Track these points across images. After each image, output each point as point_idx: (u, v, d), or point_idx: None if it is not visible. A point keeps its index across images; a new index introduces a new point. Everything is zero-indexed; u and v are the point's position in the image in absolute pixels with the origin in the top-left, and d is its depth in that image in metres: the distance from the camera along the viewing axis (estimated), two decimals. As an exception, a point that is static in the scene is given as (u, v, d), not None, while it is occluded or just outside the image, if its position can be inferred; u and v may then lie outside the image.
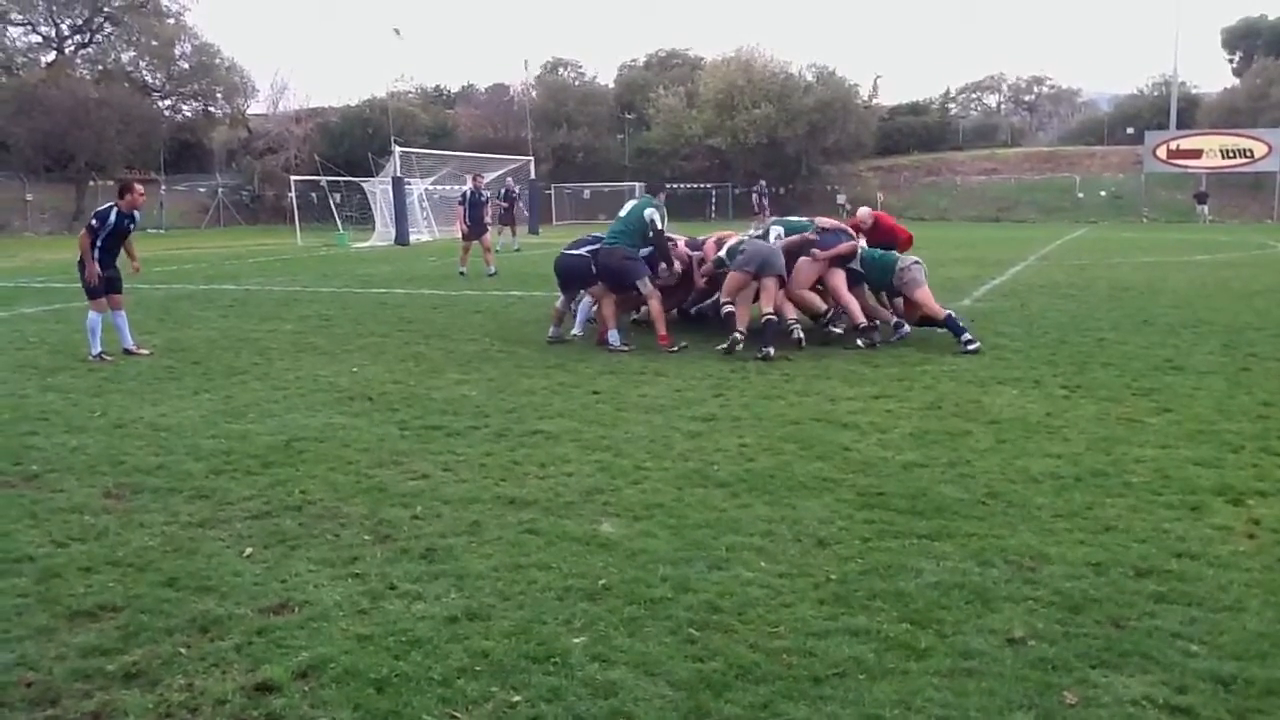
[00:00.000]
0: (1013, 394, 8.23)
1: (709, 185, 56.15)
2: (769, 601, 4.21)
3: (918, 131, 65.46)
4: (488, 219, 22.28)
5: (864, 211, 12.43)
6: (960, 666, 3.63)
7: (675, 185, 46.15)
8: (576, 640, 3.88)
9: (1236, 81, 62.70)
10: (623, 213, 11.05)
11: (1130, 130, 59.26)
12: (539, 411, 7.76)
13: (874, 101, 61.88)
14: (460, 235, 21.46)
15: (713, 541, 4.90)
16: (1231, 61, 68.04)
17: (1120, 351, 10.10)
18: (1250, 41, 65.76)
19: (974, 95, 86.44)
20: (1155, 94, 64.78)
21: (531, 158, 44.37)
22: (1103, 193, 52.85)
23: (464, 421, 7.43)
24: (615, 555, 4.75)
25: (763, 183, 49.15)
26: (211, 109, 58.25)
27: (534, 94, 61.47)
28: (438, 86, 72.68)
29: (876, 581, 4.39)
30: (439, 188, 37.88)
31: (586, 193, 54.32)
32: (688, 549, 4.82)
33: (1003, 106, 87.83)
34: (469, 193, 21.69)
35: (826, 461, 6.27)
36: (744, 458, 6.41)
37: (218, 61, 56.43)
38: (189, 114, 58.94)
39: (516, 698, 3.46)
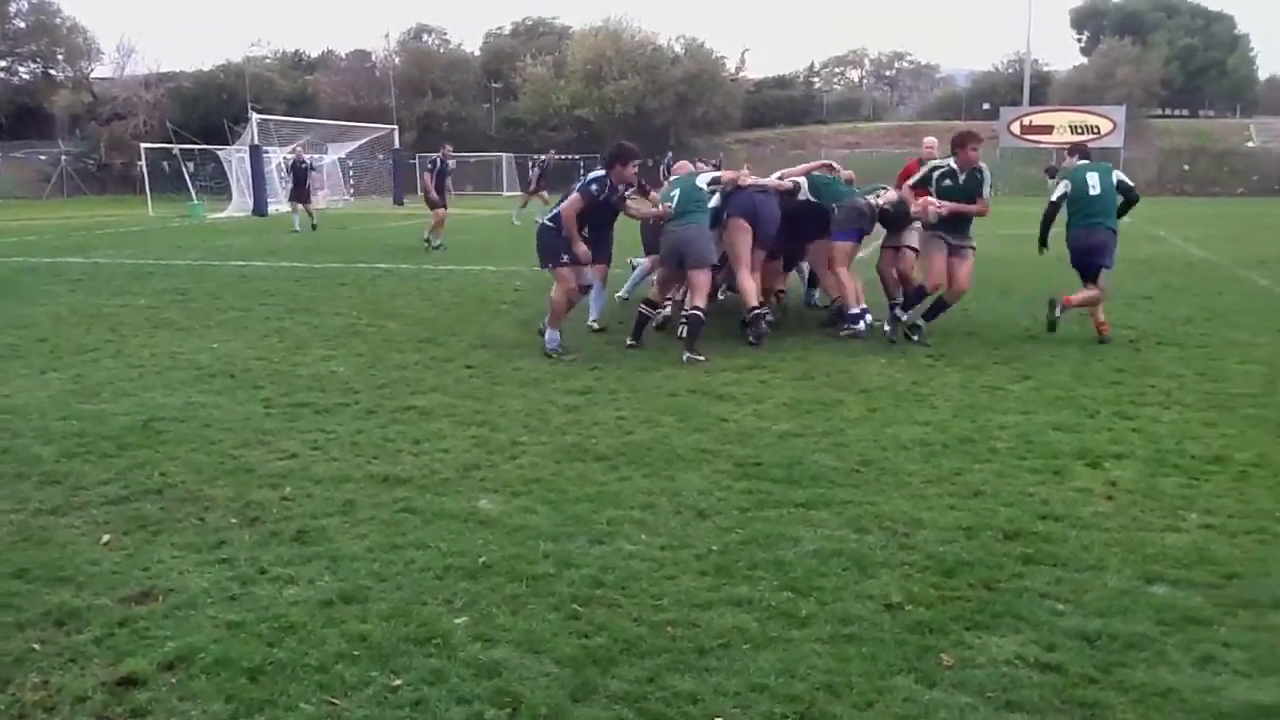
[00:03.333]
0: (881, 363, 8.42)
1: (578, 156, 55.87)
2: (652, 574, 4.19)
3: (783, 105, 66.44)
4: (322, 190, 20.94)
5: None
6: (841, 633, 3.68)
7: (544, 156, 45.61)
8: (458, 620, 3.80)
9: (1085, 60, 65.43)
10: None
11: (987, 106, 61.25)
12: (411, 387, 7.59)
13: (741, 75, 62.50)
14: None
15: (593, 516, 4.87)
16: (1080, 40, 71.03)
17: (981, 321, 10.43)
18: (1097, 21, 68.73)
19: (837, 70, 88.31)
20: (1010, 71, 67.14)
21: (395, 127, 43.42)
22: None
23: (332, 398, 7.21)
24: (495, 532, 4.67)
25: (544, 156, 31.89)
26: (52, 71, 55.22)
27: (397, 61, 60.08)
28: (297, 52, 70.39)
29: (757, 551, 4.43)
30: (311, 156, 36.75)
31: (452, 162, 53.40)
32: (568, 524, 4.77)
33: (865, 81, 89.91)
34: (437, 161, 20.51)
35: (704, 433, 6.30)
36: (622, 430, 6.38)
37: (58, 21, 53.48)
38: (26, 76, 55.71)
39: (398, 681, 3.37)
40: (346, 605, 3.93)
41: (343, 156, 42.91)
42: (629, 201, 9.34)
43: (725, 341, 9.29)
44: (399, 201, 39.44)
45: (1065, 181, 9.81)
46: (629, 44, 56.10)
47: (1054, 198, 9.83)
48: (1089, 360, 8.52)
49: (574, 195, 8.76)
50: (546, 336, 8.88)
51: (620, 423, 6.56)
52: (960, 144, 9.41)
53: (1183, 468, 5.62)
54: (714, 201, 9.23)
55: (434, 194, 19.64)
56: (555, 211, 9.01)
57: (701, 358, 8.47)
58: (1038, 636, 3.67)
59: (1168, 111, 59.16)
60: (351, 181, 44.96)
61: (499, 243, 21.62)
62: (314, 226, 24.83)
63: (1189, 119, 59.32)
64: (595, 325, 10.02)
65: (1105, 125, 52.65)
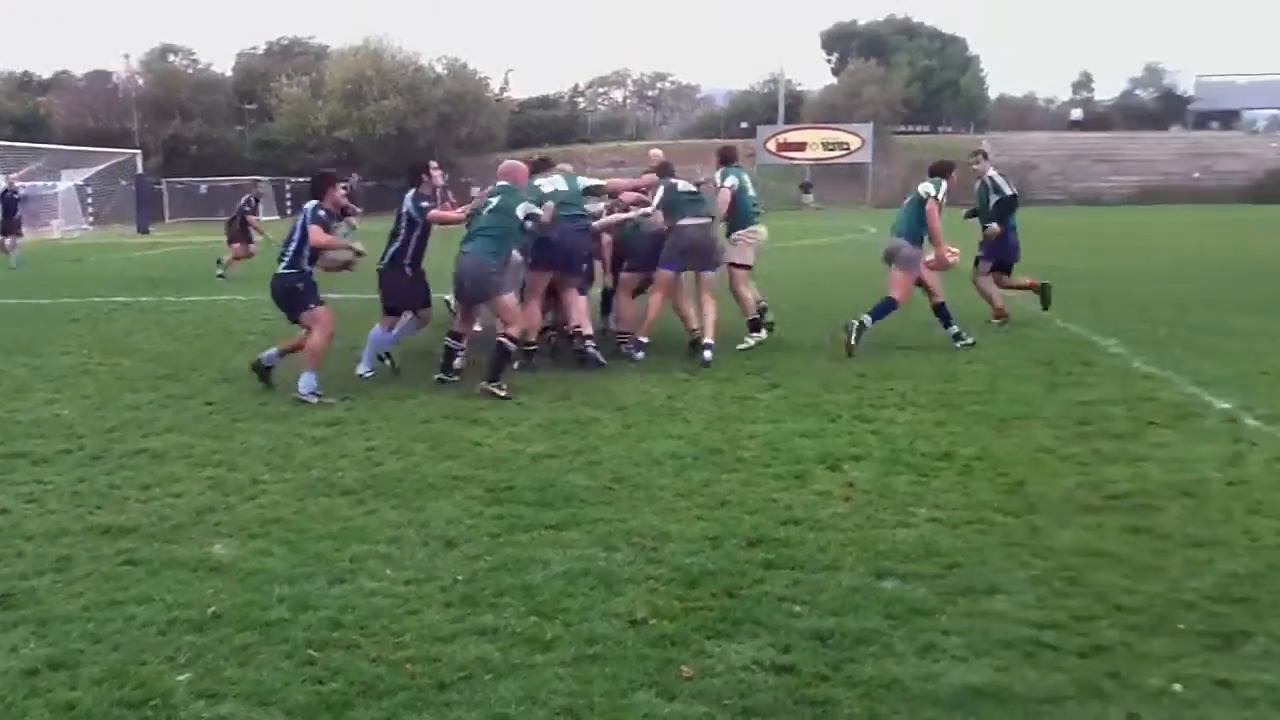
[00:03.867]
0: (637, 379, 8.52)
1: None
2: (394, 611, 4.06)
3: (549, 124, 66.93)
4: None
5: None
6: (585, 654, 3.67)
7: (302, 179, 44.11)
8: (181, 678, 3.55)
9: (835, 80, 69.09)
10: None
11: (745, 124, 63.63)
12: (143, 428, 7.10)
13: (505, 95, 62.55)
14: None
15: (335, 554, 4.68)
16: (830, 61, 74.94)
17: (733, 332, 10.67)
18: (845, 43, 72.78)
19: (601, 90, 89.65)
20: (766, 90, 70.08)
21: (139, 151, 41.01)
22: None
23: (54, 445, 6.66)
24: (227, 579, 4.41)
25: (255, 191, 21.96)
26: None
27: (141, 82, 56.85)
28: (26, 72, 65.54)
29: (505, 577, 4.36)
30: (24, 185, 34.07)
31: (203, 187, 50.90)
32: (308, 564, 4.56)
33: (629, 101, 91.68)
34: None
35: (456, 459, 6.18)
36: (371, 462, 6.19)
37: None
38: None
39: (108, 751, 3.11)
40: (54, 672, 3.61)
41: (79, 183, 40.15)
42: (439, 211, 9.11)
43: (482, 361, 9.16)
44: (144, 229, 37.17)
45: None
46: (390, 64, 55.16)
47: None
48: (836, 368, 8.91)
49: (312, 228, 7.97)
50: (301, 382, 7.88)
51: (370, 454, 6.36)
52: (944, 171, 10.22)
53: (914, 465, 5.94)
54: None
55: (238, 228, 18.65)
56: (290, 256, 8.07)
57: (501, 392, 7.86)
58: (774, 640, 3.76)
59: (910, 128, 63.15)
60: (90, 209, 42.05)
61: (248, 271, 20.44)
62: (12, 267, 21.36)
63: (930, 135, 63.45)
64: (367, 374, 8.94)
65: (855, 142, 55.76)
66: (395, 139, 53.41)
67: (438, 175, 10.70)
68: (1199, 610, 3.99)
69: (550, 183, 9.10)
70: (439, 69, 57.94)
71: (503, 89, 62.29)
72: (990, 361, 9.05)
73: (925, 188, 9.99)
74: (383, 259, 8.83)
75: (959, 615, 3.94)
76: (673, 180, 9.58)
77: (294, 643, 3.80)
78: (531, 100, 69.94)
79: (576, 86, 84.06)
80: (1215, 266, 17.55)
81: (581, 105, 79.90)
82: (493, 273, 8.19)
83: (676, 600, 4.10)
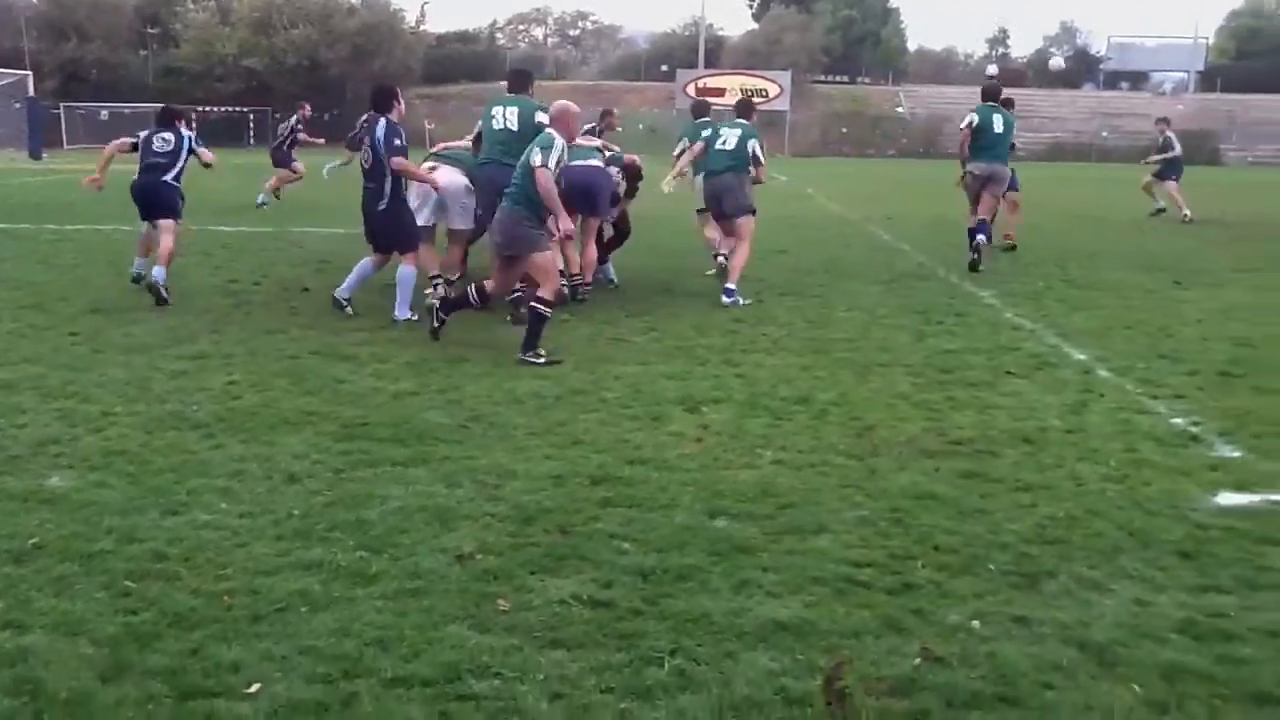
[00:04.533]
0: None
1: (246, 109, 52.80)
2: (222, 544, 4.04)
3: (467, 60, 65.53)
4: None
5: None
6: (406, 588, 3.70)
7: (209, 108, 43.09)
8: (-11, 609, 3.50)
9: (756, 26, 68.82)
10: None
11: (665, 68, 63.14)
12: (-2, 358, 6.91)
13: (421, 28, 61.09)
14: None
15: (174, 487, 4.63)
16: (751, 7, 74.50)
17: (623, 277, 10.71)
18: (768, -12, 72.29)
19: (521, 27, 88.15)
20: (687, 34, 69.54)
21: (29, 72, 39.32)
22: (640, 126, 56.08)
23: (-105, 374, 6.45)
24: (58, 511, 4.34)
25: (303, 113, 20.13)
26: None
27: (34, 0, 54.37)
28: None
29: (340, 513, 4.36)
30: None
31: (104, 113, 48.98)
32: (144, 496, 4.51)
33: (549, 39, 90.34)
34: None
35: (315, 395, 6.13)
36: (229, 396, 6.10)
37: None
38: None
39: (-104, 685, 3.06)
40: None
41: (-34, 105, 38.42)
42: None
43: (367, 299, 9.07)
44: (36, 155, 35.74)
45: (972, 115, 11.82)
46: (300, -9, 53.49)
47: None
48: (714, 312, 8.99)
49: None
50: (155, 272, 8.77)
51: (229, 388, 6.27)
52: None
53: (771, 409, 6.05)
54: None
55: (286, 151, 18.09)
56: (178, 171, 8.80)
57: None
58: (598, 575, 3.83)
59: (829, 78, 63.28)
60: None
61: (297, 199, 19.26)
62: None
63: (848, 85, 63.68)
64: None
65: (773, 89, 55.72)
66: (307, 70, 52.02)
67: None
68: (1011, 551, 4.15)
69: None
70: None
71: (419, 21, 60.88)
72: (867, 310, 9.21)
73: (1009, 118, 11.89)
74: (382, 198, 8.20)
75: (780, 553, 4.05)
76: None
77: (113, 574, 3.76)
78: (449, 35, 68.41)
79: (495, 22, 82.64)
80: (1104, 223, 18.01)
81: (501, 42, 78.49)
82: (531, 228, 7.28)
83: (508, 536, 4.15)
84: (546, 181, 7.02)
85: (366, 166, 8.21)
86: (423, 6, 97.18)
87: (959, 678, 3.21)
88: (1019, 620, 3.59)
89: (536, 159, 7.07)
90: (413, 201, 8.64)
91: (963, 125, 12.02)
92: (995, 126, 11.66)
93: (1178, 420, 5.94)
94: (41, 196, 19.75)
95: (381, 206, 8.23)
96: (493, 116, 8.74)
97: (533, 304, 7.23)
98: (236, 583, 3.71)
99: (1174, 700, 3.10)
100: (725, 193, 9.77)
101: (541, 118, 8.24)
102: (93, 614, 3.47)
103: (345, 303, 8.52)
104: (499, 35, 79.85)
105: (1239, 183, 32.18)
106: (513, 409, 5.94)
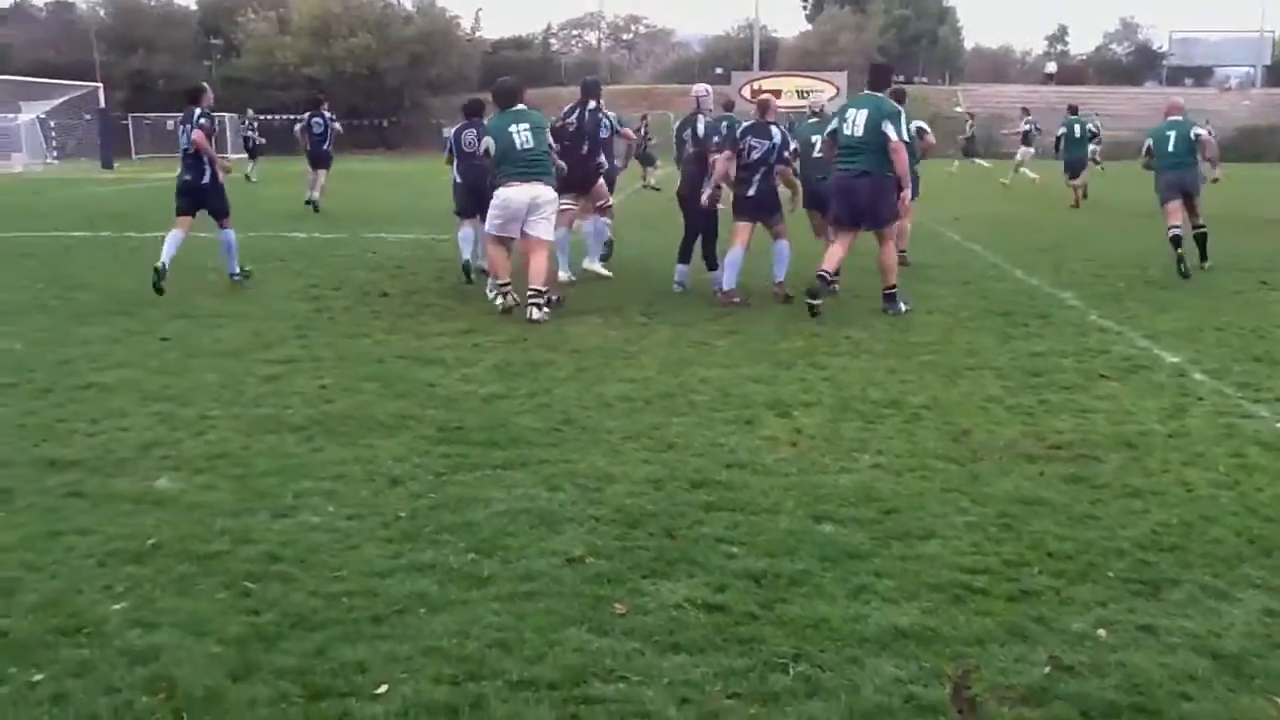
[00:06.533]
0: (596, 322, 8.52)
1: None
2: (333, 546, 4.07)
3: (521, 66, 65.79)
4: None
5: None
6: (520, 590, 3.70)
7: (272, 116, 43.64)
8: (116, 607, 3.56)
9: (810, 27, 68.61)
10: None
11: (719, 70, 63.11)
12: (95, 362, 7.04)
13: (477, 35, 61.69)
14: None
15: (279, 489, 4.68)
16: (805, 8, 74.29)
17: (696, 280, 10.68)
18: (821, -10, 72.06)
19: (575, 32, 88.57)
20: (741, 36, 69.58)
21: (100, 84, 40.20)
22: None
23: (2, 378, 6.59)
24: (170, 512, 4.41)
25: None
26: None
27: (103, 15, 55.61)
28: (-15, 3, 63.88)
29: (446, 515, 4.38)
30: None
31: (170, 123, 49.96)
32: (252, 499, 4.56)
33: (603, 44, 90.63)
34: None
35: (408, 399, 6.17)
36: (322, 400, 6.17)
37: None
38: None
39: (39, 676, 3.12)
40: (-12, 601, 3.61)
41: (42, 116, 39.37)
42: None
43: (442, 303, 9.15)
44: (108, 165, 36.55)
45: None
46: (357, 1, 54.20)
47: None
48: (793, 315, 8.93)
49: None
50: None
51: (321, 391, 6.34)
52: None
53: (862, 413, 5.99)
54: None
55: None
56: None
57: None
58: (709, 579, 3.81)
59: (885, 78, 62.73)
60: (55, 143, 41.27)
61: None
62: None
63: (905, 84, 63.10)
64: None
65: (829, 90, 55.43)
66: (365, 78, 52.69)
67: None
68: (1129, 558, 4.06)
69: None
70: (408, 6, 57.07)
71: (474, 28, 61.47)
72: (948, 312, 9.10)
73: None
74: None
75: (892, 559, 4.00)
76: None
77: (232, 574, 3.81)
78: (504, 41, 69.07)
79: (549, 28, 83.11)
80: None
81: (555, 47, 78.93)
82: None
83: (615, 540, 4.14)
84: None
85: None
86: (477, 13, 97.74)
87: (1091, 687, 3.14)
88: (1146, 629, 3.51)
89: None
90: (493, 214, 8.74)
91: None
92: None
93: (1283, 424, 5.79)
94: (117, 205, 20.15)
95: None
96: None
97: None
98: (352, 584, 3.74)
99: (1320, 713, 3.01)
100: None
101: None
102: (216, 614, 3.51)
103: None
104: (553, 41, 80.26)
105: (1313, 181, 31.36)
106: (603, 412, 5.94)
